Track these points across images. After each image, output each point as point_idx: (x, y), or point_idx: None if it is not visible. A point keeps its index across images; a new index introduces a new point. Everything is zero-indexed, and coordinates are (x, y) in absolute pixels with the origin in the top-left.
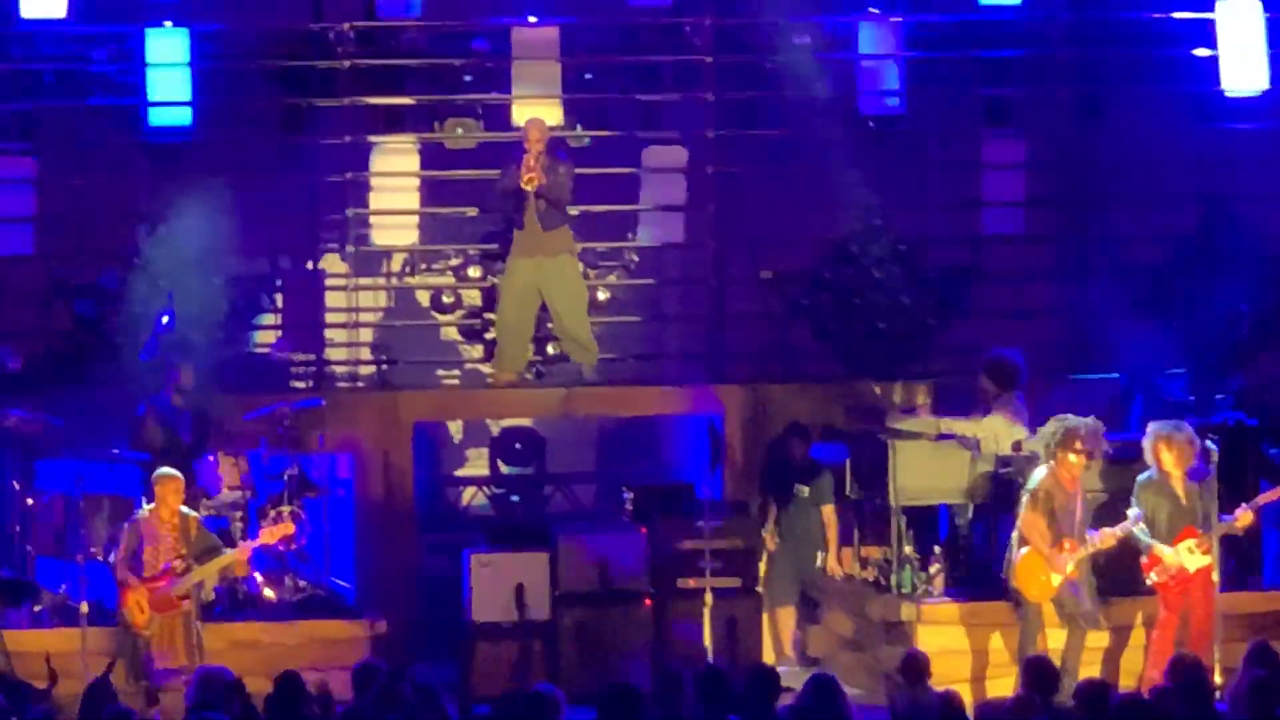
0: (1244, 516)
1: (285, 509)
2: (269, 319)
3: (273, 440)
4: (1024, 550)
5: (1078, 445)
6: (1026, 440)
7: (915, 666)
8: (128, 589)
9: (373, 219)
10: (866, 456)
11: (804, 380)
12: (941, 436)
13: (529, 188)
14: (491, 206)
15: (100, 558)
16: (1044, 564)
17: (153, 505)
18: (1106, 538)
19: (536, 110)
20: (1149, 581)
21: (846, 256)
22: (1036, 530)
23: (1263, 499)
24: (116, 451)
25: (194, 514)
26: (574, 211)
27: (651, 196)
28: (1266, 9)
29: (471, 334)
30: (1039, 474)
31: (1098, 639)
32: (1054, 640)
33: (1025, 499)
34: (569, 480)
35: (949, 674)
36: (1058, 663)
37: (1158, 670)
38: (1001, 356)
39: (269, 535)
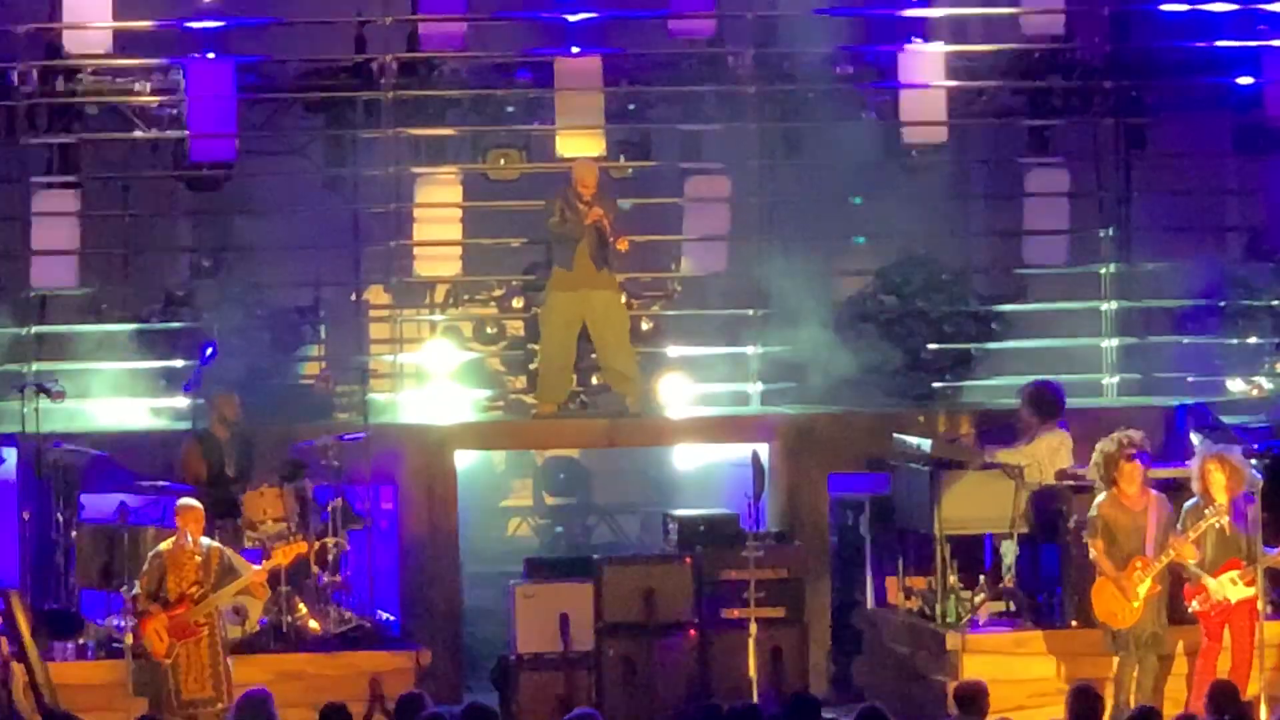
0: None
1: (331, 541)
2: (313, 350)
3: (317, 472)
4: (1097, 579)
5: (1129, 452)
6: (1072, 469)
7: (971, 696)
8: (148, 618)
9: (416, 250)
10: (911, 486)
11: (848, 410)
12: (986, 465)
13: (592, 222)
14: (535, 237)
15: None
16: (1117, 591)
17: (175, 537)
18: (1180, 544)
19: (580, 142)
20: (1190, 610)
21: (890, 286)
22: (1098, 555)
23: None
24: (161, 483)
25: (216, 545)
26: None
27: (695, 226)
28: None
29: (515, 364)
30: (1098, 499)
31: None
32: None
33: (1088, 524)
34: (613, 510)
35: (995, 703)
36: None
37: (1200, 699)
38: (1042, 387)
39: (281, 555)
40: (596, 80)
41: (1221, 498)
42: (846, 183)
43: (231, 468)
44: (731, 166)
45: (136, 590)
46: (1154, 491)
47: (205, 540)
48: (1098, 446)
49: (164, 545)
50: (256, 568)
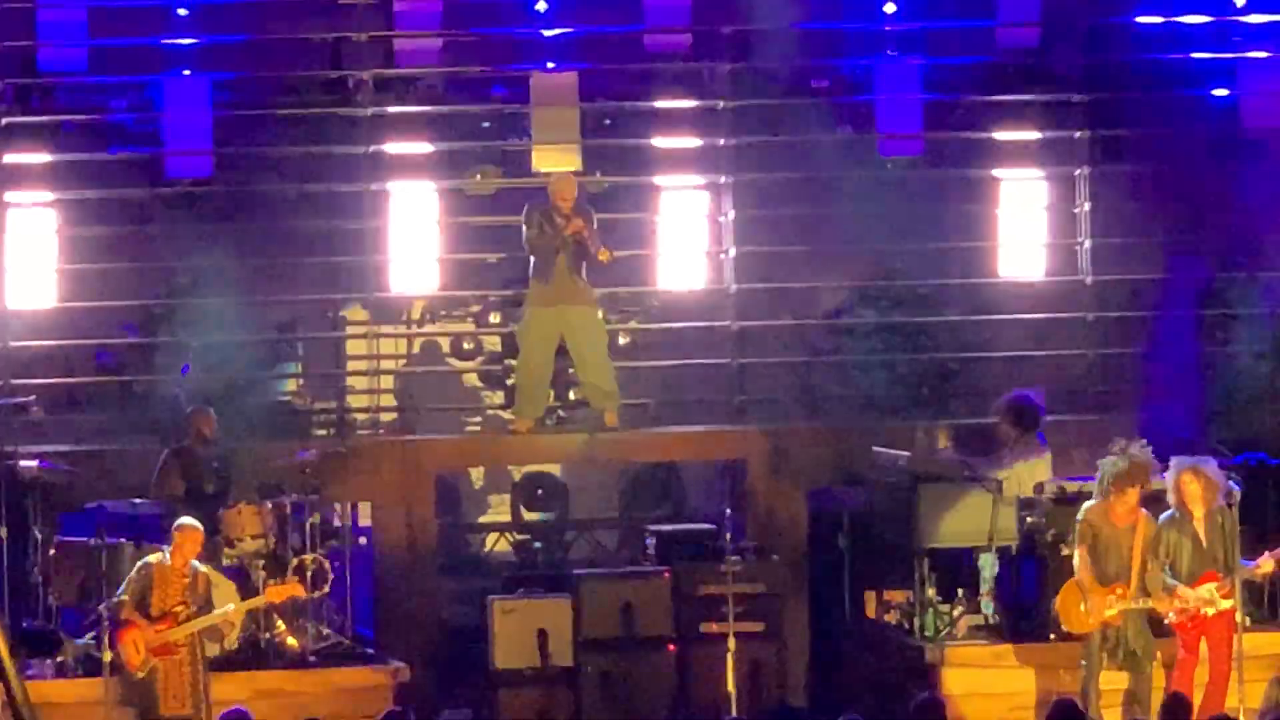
0: (1266, 564)
1: (309, 558)
2: (290, 367)
3: (295, 489)
4: (1068, 583)
5: (1142, 480)
6: (1049, 481)
7: (931, 714)
8: (129, 628)
9: (393, 266)
10: (889, 500)
11: (826, 424)
12: (965, 479)
13: (572, 234)
14: (512, 252)
15: None
16: (1083, 602)
17: (167, 554)
18: (1165, 601)
19: (556, 156)
20: (1167, 621)
21: (866, 299)
22: (1079, 561)
23: None
24: (139, 501)
25: (204, 569)
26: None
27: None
28: None
29: (492, 380)
30: (1088, 504)
31: (1120, 679)
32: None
33: (1075, 528)
34: (591, 526)
35: (975, 717)
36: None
37: None
38: (1020, 398)
39: (274, 594)
40: (572, 95)
41: (1197, 510)
42: (822, 196)
43: (209, 485)
44: (708, 181)
45: (121, 597)
46: (1142, 510)
47: (195, 563)
48: (1112, 460)
49: (154, 558)
50: (231, 608)
